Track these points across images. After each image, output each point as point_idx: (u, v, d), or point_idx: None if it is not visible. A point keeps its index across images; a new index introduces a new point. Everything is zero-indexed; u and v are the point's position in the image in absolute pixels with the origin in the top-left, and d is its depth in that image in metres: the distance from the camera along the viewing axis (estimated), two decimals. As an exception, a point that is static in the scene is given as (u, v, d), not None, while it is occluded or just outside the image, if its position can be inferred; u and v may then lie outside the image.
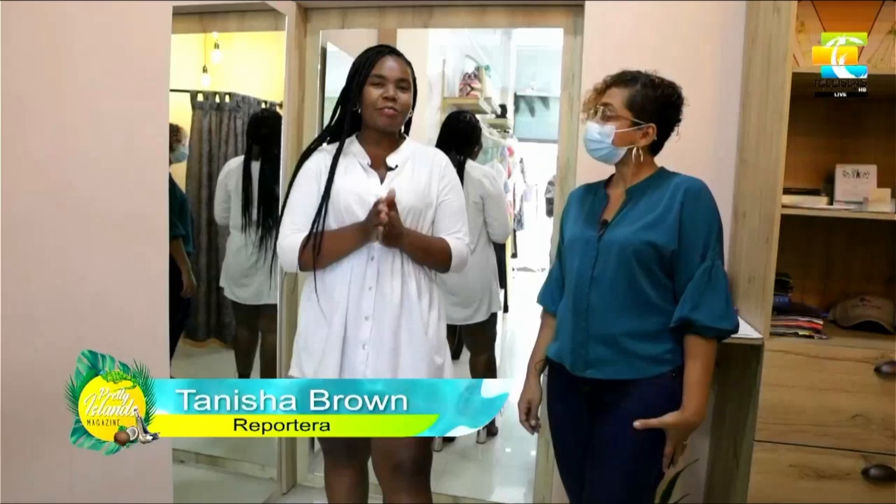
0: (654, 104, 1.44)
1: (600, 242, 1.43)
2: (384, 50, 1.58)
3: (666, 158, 1.52)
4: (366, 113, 1.57)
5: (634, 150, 1.45)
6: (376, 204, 1.45)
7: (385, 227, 1.44)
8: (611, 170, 1.55)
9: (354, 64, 1.59)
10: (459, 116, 2.82)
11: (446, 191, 1.64)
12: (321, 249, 1.53)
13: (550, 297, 1.63)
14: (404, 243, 1.53)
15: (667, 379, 1.40)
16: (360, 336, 1.54)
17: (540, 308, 1.68)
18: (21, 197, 1.26)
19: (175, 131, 2.47)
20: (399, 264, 1.56)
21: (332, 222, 1.55)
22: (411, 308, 1.56)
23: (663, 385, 1.40)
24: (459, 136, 2.73)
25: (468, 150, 2.74)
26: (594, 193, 1.55)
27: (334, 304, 1.55)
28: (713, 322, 1.36)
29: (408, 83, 1.58)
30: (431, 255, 1.59)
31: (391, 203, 1.44)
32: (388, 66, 1.55)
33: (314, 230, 1.54)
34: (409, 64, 1.60)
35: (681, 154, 1.77)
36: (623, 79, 1.45)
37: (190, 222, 2.65)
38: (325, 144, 1.64)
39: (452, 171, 1.67)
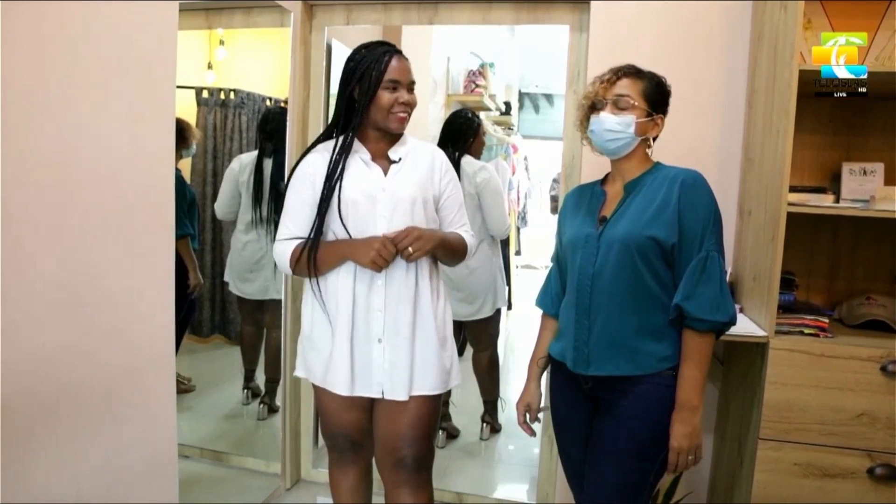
0: (661, 95, 1.46)
1: (601, 239, 1.43)
2: (392, 50, 1.56)
3: (671, 156, 1.52)
4: (378, 115, 1.55)
5: (648, 141, 1.46)
6: (375, 239, 1.47)
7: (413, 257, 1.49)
8: (609, 169, 1.55)
9: (359, 62, 1.55)
10: (458, 114, 2.85)
11: (450, 186, 1.66)
12: (316, 259, 1.54)
13: (550, 300, 1.63)
14: (438, 251, 1.56)
15: (667, 377, 1.40)
16: (374, 330, 1.55)
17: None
18: (27, 192, 1.26)
19: (186, 130, 2.47)
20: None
21: (337, 218, 1.55)
22: (422, 301, 1.57)
23: (663, 383, 1.40)
24: (455, 133, 2.76)
25: (463, 144, 2.75)
26: (590, 192, 1.55)
27: (340, 301, 1.55)
28: (705, 314, 1.35)
29: (414, 83, 1.59)
30: (456, 252, 1.62)
31: (405, 239, 1.48)
32: (401, 70, 1.55)
33: (310, 238, 1.54)
34: (408, 60, 1.60)
35: (686, 152, 1.77)
36: (633, 70, 1.46)
37: (197, 219, 2.66)
38: (320, 144, 1.63)
39: (451, 166, 1.70)
